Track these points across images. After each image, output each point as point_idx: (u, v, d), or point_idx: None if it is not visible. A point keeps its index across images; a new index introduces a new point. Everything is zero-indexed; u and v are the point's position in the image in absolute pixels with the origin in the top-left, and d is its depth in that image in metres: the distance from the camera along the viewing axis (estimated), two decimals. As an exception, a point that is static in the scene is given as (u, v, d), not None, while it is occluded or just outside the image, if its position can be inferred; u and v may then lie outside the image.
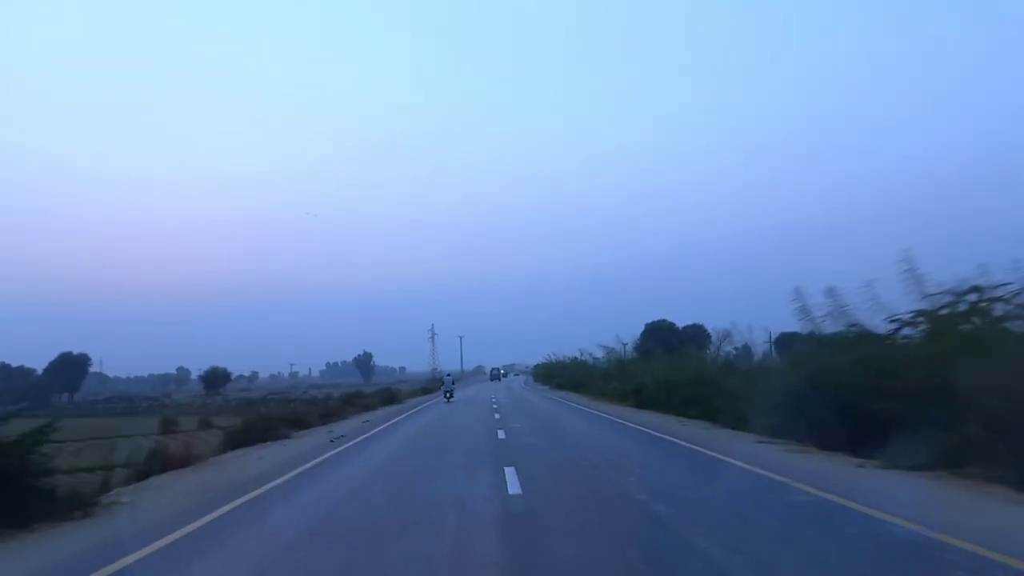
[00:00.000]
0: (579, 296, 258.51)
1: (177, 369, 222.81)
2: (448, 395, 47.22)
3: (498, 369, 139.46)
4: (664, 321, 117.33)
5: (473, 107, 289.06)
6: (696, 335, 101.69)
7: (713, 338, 54.27)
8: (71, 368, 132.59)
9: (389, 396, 45.16)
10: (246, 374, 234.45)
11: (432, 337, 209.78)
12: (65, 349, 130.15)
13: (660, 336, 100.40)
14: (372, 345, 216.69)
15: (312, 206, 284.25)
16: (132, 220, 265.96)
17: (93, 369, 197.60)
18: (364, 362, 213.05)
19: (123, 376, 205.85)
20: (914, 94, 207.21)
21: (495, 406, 35.88)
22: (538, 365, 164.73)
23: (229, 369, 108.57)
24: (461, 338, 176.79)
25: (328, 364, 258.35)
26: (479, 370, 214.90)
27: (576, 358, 73.20)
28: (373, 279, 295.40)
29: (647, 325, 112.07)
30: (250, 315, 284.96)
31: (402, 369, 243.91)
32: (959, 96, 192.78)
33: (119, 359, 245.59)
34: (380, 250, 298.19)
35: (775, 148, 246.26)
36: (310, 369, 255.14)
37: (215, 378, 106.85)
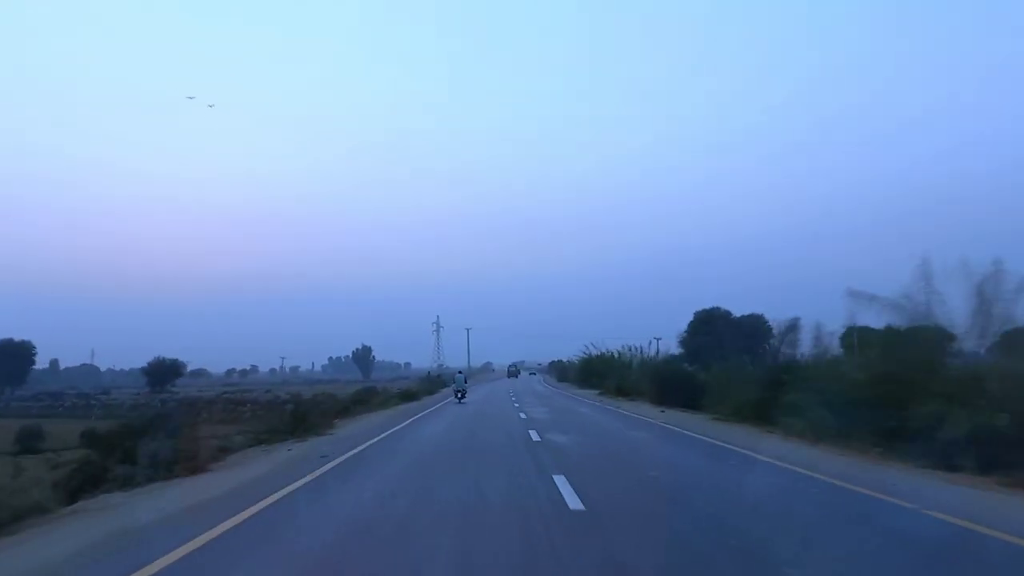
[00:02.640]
0: (588, 294, 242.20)
1: (171, 362, 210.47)
2: (460, 395, 39.42)
3: (515, 365, 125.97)
4: (717, 309, 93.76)
5: (494, 106, 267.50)
6: (755, 326, 74.19)
7: (775, 330, 34.37)
8: (11, 358, 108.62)
9: (298, 417, 20.00)
10: (245, 368, 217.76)
11: (437, 330, 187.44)
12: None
13: (715, 327, 74.82)
14: (378, 340, 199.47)
15: (320, 204, 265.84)
16: (135, 212, 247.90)
17: (85, 360, 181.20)
18: (363, 356, 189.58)
19: (116, 368, 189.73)
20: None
21: (552, 467, 10.70)
22: (554, 362, 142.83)
23: (182, 360, 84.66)
24: (468, 330, 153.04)
25: (330, 359, 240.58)
26: (487, 367, 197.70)
27: (627, 351, 48.37)
28: (381, 275, 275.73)
29: (697, 314, 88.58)
30: (254, 309, 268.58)
31: (407, 365, 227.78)
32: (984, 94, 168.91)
33: (115, 352, 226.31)
34: (388, 246, 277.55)
35: (800, 144, 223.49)
36: (313, 363, 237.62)
37: (162, 372, 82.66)
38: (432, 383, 61.40)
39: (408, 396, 40.98)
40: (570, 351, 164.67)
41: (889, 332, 15.38)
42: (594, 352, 57.76)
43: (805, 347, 22.65)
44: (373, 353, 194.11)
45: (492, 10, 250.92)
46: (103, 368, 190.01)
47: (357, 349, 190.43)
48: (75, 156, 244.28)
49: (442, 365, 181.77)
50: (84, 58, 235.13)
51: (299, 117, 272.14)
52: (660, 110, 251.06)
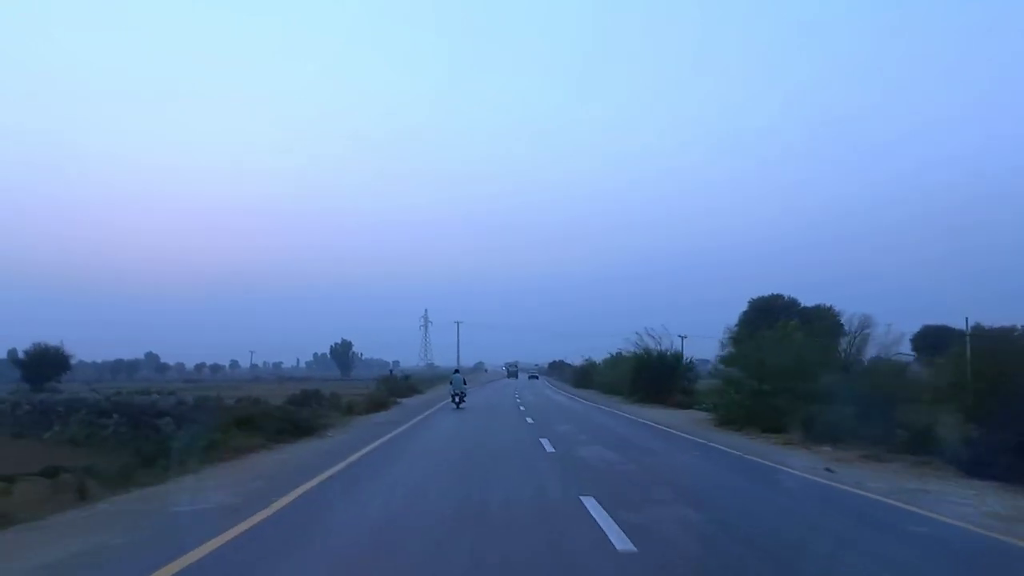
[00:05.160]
0: (582, 296, 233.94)
1: (145, 355, 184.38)
2: (458, 399, 28.82)
3: (514, 364, 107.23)
4: (778, 297, 69.51)
5: (491, 105, 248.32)
6: (823, 319, 56.11)
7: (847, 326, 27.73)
8: None
9: None
10: (222, 364, 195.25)
11: (424, 325, 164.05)
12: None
13: (774, 314, 55.75)
14: (367, 338, 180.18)
15: (313, 201, 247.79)
16: (122, 204, 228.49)
17: None
18: (342, 353, 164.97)
19: (88, 361, 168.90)
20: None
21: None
22: (555, 363, 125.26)
23: (65, 351, 60.69)
24: (459, 324, 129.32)
25: (315, 355, 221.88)
26: (479, 367, 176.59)
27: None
28: (372, 273, 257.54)
29: (753, 302, 64.26)
30: (242, 304, 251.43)
31: (396, 363, 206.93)
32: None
33: (92, 345, 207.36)
34: (382, 244, 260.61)
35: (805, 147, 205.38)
36: (298, 359, 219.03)
37: (44, 363, 59.02)
38: (392, 388, 37.64)
39: (291, 429, 16.62)
40: (566, 352, 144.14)
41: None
42: (652, 348, 33.68)
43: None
44: (354, 349, 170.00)
45: (492, 10, 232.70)
46: (74, 361, 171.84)
47: (335, 344, 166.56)
48: (59, 147, 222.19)
49: (432, 364, 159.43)
50: (71, 48, 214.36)
51: (292, 115, 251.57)
52: (659, 111, 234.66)
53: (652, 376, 31.98)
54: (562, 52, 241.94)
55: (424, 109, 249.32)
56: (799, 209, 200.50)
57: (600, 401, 35.09)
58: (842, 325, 72.51)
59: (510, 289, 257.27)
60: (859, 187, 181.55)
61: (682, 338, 34.27)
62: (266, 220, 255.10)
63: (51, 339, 61.47)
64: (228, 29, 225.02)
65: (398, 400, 32.81)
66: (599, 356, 71.20)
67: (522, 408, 28.24)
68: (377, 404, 29.55)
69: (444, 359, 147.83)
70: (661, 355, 33.09)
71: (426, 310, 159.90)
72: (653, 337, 34.27)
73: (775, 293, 71.77)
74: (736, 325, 67.88)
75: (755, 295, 70.48)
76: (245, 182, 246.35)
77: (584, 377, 59.10)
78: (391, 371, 46.48)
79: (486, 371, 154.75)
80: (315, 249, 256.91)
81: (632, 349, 35.64)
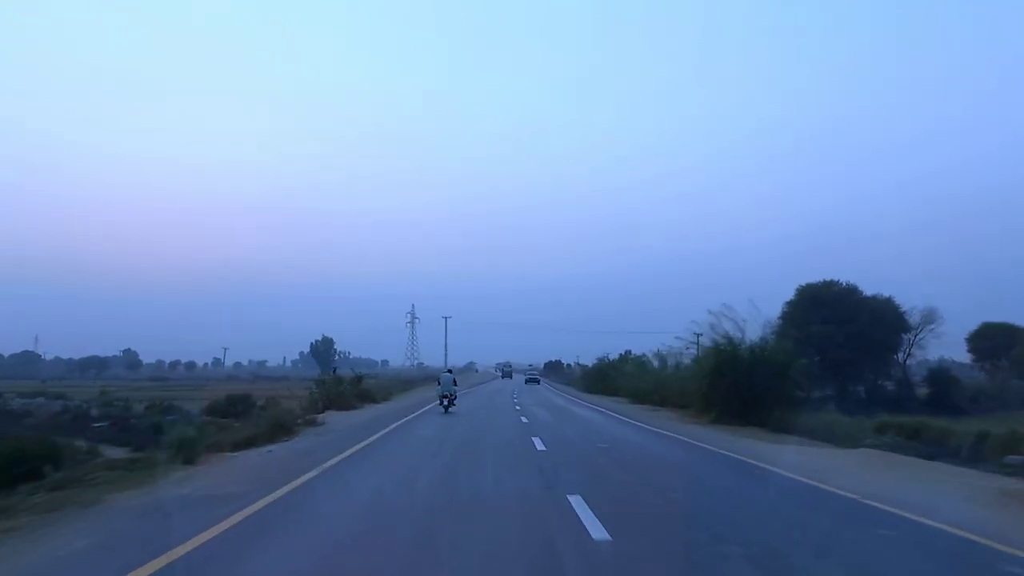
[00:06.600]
0: (574, 298, 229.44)
1: (123, 352, 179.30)
2: (447, 401, 25.22)
3: (508, 365, 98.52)
4: (833, 284, 57.97)
5: (491, 105, 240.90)
6: (885, 311, 53.76)
7: (910, 319, 26.73)
8: None
9: None
10: (203, 362, 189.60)
11: (411, 322, 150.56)
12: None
13: (837, 310, 51.64)
14: (357, 336, 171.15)
15: (307, 199, 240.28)
16: (113, 201, 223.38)
17: (27, 347, 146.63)
18: (322, 351, 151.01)
19: (65, 357, 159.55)
20: None
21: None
22: (551, 363, 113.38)
23: None
24: (446, 319, 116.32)
25: (301, 353, 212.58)
26: (470, 367, 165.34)
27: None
28: (367, 272, 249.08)
29: (801, 290, 55.22)
30: (237, 302, 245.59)
31: (384, 363, 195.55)
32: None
33: (74, 340, 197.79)
34: (377, 242, 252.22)
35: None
36: (284, 358, 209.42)
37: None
38: (329, 395, 24.06)
39: None
40: (561, 352, 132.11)
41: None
42: (737, 338, 19.88)
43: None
44: (337, 347, 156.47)
45: (491, 11, 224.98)
46: (49, 357, 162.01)
47: (316, 342, 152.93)
48: (45, 144, 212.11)
49: (421, 364, 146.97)
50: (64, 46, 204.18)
51: (287, 114, 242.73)
52: (658, 113, 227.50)
53: (743, 383, 18.61)
54: (561, 53, 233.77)
55: (422, 109, 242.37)
56: (803, 210, 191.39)
57: (653, 422, 21.14)
58: (905, 319, 59.52)
59: (505, 289, 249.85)
60: (872, 186, 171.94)
61: (698, 336, 22.07)
62: (258, 217, 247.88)
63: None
64: (226, 28, 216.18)
65: (320, 420, 19.20)
66: (591, 359, 59.92)
67: (541, 448, 14.43)
68: (278, 428, 16.19)
69: (434, 359, 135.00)
70: (756, 351, 19.61)
71: (412, 306, 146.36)
72: (735, 321, 20.66)
73: (828, 279, 58.97)
74: (780, 317, 54.85)
75: (804, 282, 57.50)
76: (244, 179, 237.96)
77: (598, 380, 44.71)
78: (334, 369, 33.20)
79: (477, 371, 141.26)
80: (307, 246, 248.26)
81: (665, 347, 22.68)
